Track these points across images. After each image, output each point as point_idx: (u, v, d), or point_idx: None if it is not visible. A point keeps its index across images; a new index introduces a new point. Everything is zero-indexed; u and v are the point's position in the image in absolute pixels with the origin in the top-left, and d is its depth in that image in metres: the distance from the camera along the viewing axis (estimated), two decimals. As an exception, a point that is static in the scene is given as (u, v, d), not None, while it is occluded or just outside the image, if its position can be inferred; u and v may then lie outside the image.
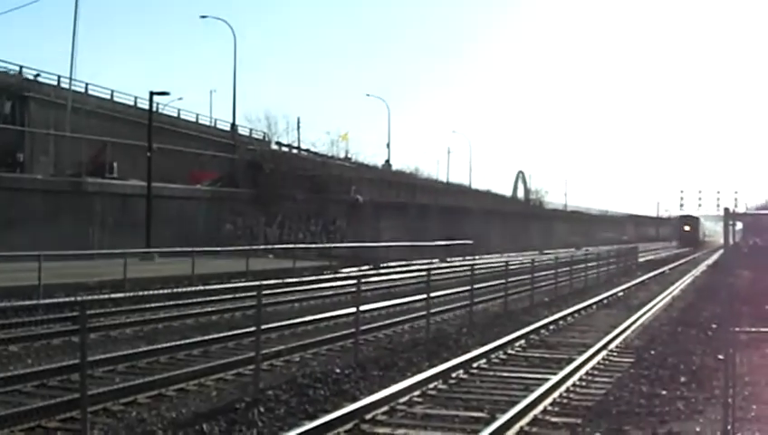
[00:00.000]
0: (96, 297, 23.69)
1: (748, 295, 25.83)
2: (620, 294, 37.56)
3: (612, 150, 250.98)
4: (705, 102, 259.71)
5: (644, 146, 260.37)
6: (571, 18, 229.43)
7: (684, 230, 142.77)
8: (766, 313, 22.19)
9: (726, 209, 11.17)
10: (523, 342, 21.57)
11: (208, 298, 28.52)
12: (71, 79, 60.42)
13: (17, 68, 61.62)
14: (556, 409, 14.02)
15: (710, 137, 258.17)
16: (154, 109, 56.56)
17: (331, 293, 32.25)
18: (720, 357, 14.38)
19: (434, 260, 62.66)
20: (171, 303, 27.23)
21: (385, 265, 54.03)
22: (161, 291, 24.49)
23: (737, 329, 11.76)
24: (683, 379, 16.44)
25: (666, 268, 61.46)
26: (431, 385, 15.35)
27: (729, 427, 10.92)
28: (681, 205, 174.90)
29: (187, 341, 19.93)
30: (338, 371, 16.67)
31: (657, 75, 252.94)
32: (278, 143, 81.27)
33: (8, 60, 61.86)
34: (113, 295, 25.71)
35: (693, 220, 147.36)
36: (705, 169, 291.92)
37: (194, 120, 78.31)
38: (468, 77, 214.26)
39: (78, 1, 59.58)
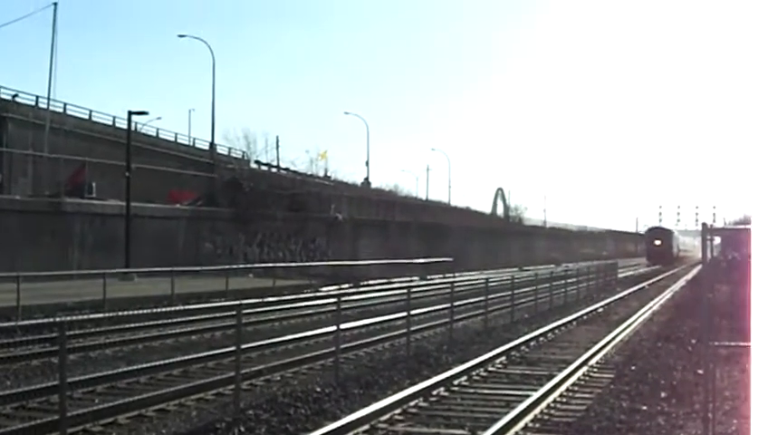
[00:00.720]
0: (75, 318, 23.57)
1: (727, 310, 25.94)
2: (600, 310, 37.66)
3: (591, 166, 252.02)
4: (683, 117, 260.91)
5: (622, 161, 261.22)
6: (548, 35, 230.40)
7: (653, 245, 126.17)
8: (745, 327, 22.25)
9: (704, 224, 11.22)
10: (503, 358, 21.60)
11: (188, 318, 28.42)
12: (49, 99, 60.43)
13: (-5, 89, 61.54)
14: (537, 425, 14.04)
15: (689, 151, 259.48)
16: (132, 128, 56.34)
17: (311, 311, 32.22)
18: (700, 372, 14.44)
19: (414, 278, 62.63)
20: (151, 323, 27.12)
21: (365, 283, 54.01)
22: (141, 311, 24.30)
23: (716, 343, 11.79)
24: (663, 394, 16.48)
25: (645, 284, 61.62)
26: (412, 403, 15.34)
27: (709, 442, 10.94)
28: (660, 220, 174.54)
29: (167, 361, 19.83)
30: (318, 389, 16.64)
31: (636, 90, 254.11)
32: (257, 162, 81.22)
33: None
34: (92, 316, 25.56)
35: (664, 233, 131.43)
36: (683, 183, 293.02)
37: (173, 139, 78.17)
38: (447, 94, 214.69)
39: (56, 21, 59.57)
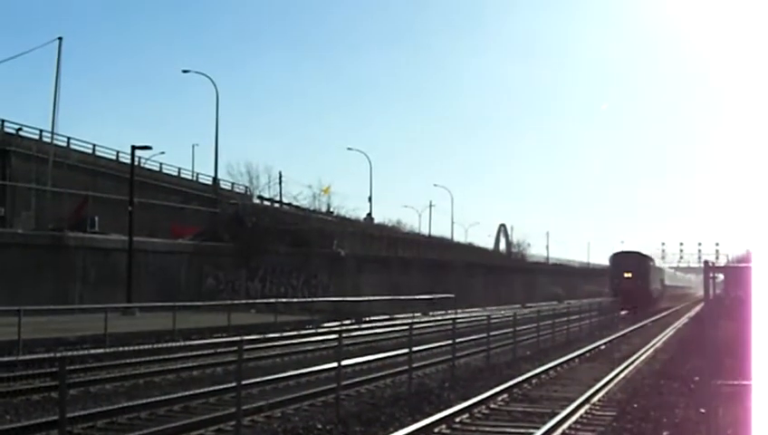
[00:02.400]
0: (75, 353, 23.54)
1: (730, 348, 25.88)
2: (603, 347, 37.52)
3: (594, 203, 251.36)
4: (686, 152, 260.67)
5: (625, 198, 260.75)
6: (552, 66, 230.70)
7: (623, 279, 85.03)
8: (748, 365, 22.16)
9: (706, 262, 11.22)
10: (505, 396, 21.52)
11: (189, 353, 28.37)
12: (52, 133, 60.64)
13: (-1, 122, 61.75)
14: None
15: (692, 188, 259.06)
16: (136, 163, 56.54)
17: (312, 347, 32.14)
18: (702, 410, 14.38)
19: (416, 314, 62.53)
20: (152, 358, 27.08)
21: (367, 319, 53.92)
22: (142, 346, 24.29)
23: (719, 382, 11.76)
24: (665, 433, 16.39)
25: (647, 321, 61.47)
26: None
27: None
28: (662, 257, 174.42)
29: (168, 396, 19.78)
30: (319, 426, 16.57)
31: (637, 126, 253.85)
32: (260, 197, 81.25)
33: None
34: (93, 351, 25.57)
35: (638, 261, 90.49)
36: (686, 221, 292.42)
37: (176, 174, 78.34)
38: (450, 130, 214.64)
39: (60, 55, 59.74)
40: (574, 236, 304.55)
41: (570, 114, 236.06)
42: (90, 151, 68.31)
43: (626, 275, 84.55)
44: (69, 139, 65.75)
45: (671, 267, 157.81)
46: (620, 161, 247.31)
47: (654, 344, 39.05)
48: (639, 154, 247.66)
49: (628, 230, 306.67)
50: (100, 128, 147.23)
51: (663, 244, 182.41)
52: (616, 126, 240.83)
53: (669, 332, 49.77)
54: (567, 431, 16.68)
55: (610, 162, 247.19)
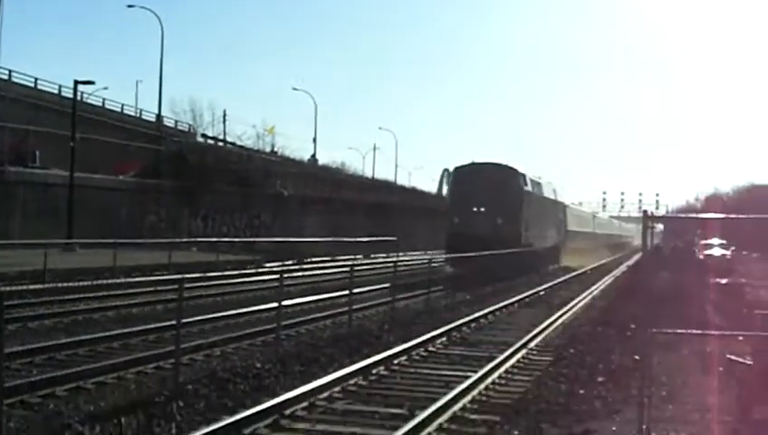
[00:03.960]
0: (14, 288, 23.31)
1: (668, 297, 26.21)
2: (542, 293, 37.83)
3: (534, 147, 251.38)
4: (626, 103, 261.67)
5: (567, 147, 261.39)
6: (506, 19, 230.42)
7: (470, 215, 49.98)
8: (685, 314, 22.47)
9: (645, 212, 11.37)
10: (444, 339, 21.68)
11: (130, 291, 28.27)
12: (-7, 65, 59.76)
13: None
14: (475, 406, 14.11)
15: (632, 138, 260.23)
16: (79, 98, 55.94)
17: (254, 287, 32.13)
18: (637, 357, 14.59)
19: (358, 256, 62.68)
20: (92, 295, 26.95)
21: (309, 260, 53.97)
22: (81, 283, 24.10)
23: (655, 330, 11.92)
24: (601, 378, 16.61)
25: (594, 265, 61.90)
26: (351, 381, 15.37)
27: (644, 426, 11.06)
28: (604, 207, 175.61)
29: (107, 333, 19.77)
30: (258, 365, 16.61)
31: (578, 71, 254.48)
32: (204, 135, 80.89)
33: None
34: (32, 286, 25.34)
35: (501, 179, 50.83)
36: (627, 171, 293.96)
37: (119, 110, 77.56)
38: (395, 72, 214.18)
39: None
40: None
41: (512, 53, 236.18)
42: (32, 85, 67.42)
43: (473, 208, 49.93)
44: (10, 72, 64.88)
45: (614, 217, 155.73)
46: (560, 106, 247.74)
47: (592, 292, 39.40)
48: (582, 101, 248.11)
49: (568, 178, 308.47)
50: (42, 63, 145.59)
51: (604, 193, 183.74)
52: (554, 68, 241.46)
53: (608, 280, 50.16)
54: (504, 375, 16.85)
55: (551, 106, 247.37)
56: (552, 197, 64.99)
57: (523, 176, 53.29)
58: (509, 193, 50.43)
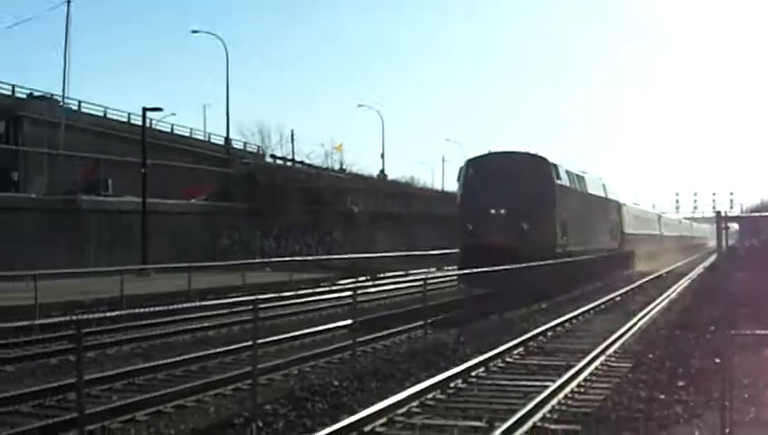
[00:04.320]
0: (92, 316, 23.53)
1: (746, 298, 25.83)
2: (618, 299, 37.38)
3: (607, 153, 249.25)
4: (699, 105, 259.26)
5: (639, 149, 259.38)
6: (557, 25, 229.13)
7: (488, 217, 39.23)
8: (764, 314, 22.15)
9: (718, 212, 11.20)
10: (521, 349, 21.57)
11: (205, 313, 28.45)
12: (63, 97, 60.64)
13: (10, 88, 61.79)
14: (555, 416, 14.00)
15: (705, 138, 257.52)
16: (147, 125, 56.55)
17: (327, 305, 32.19)
18: (717, 360, 14.39)
19: (431, 269, 62.52)
20: (168, 319, 27.19)
21: (381, 275, 53.96)
22: (158, 307, 24.30)
23: (735, 332, 11.75)
24: (681, 383, 16.42)
25: (664, 271, 61.28)
26: (429, 395, 15.32)
27: (727, 429, 10.90)
28: (677, 208, 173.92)
29: (185, 357, 19.89)
30: (336, 383, 16.63)
31: (651, 76, 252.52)
32: (272, 156, 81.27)
33: (1, 80, 62.11)
34: (109, 313, 25.54)
35: (527, 173, 40.35)
36: (700, 171, 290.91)
37: (188, 135, 78.30)
38: (460, 84, 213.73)
39: (69, 19, 59.67)
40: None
41: (576, 66, 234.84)
42: (101, 114, 68.35)
43: (491, 211, 39.66)
44: (80, 102, 65.85)
45: (687, 218, 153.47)
46: (633, 112, 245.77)
47: (669, 296, 38.96)
48: (654, 104, 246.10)
49: (643, 181, 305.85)
50: (110, 91, 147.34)
51: (677, 194, 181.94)
52: (629, 75, 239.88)
53: (684, 283, 49.59)
54: (582, 383, 16.71)
55: (624, 114, 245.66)
56: (600, 194, 54.26)
57: (555, 167, 42.17)
58: (537, 188, 39.96)
